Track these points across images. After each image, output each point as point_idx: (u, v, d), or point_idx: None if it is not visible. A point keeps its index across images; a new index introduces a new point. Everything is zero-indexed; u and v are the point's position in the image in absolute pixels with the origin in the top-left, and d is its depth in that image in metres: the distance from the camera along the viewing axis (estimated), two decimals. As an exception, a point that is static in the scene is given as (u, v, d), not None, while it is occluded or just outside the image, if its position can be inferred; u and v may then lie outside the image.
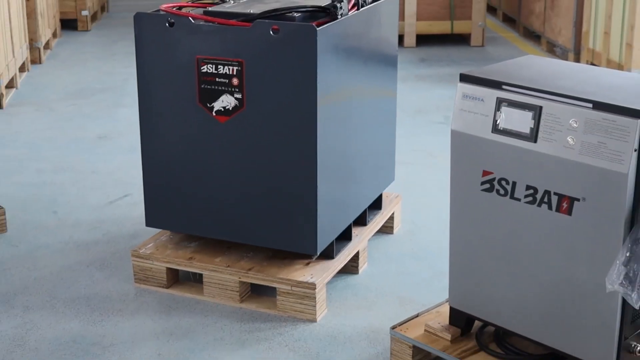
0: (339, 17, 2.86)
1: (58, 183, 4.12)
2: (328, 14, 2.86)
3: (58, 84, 5.90)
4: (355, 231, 3.21)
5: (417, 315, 2.66)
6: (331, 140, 2.88)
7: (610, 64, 5.64)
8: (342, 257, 3.04)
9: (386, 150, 3.43)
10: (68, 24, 7.69)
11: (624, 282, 2.10)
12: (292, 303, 2.87)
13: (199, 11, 2.96)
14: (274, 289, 2.93)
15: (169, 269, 3.05)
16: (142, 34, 2.89)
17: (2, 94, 5.26)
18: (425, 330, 2.58)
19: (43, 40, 6.47)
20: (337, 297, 3.03)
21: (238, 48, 2.78)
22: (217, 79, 2.82)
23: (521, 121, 2.27)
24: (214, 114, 2.86)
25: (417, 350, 2.58)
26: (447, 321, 2.59)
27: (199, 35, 2.81)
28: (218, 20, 2.80)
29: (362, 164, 3.19)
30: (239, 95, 2.81)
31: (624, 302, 2.18)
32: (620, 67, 5.52)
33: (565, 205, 2.21)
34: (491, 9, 8.36)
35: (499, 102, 2.31)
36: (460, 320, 2.55)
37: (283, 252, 3.01)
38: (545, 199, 2.25)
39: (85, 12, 7.61)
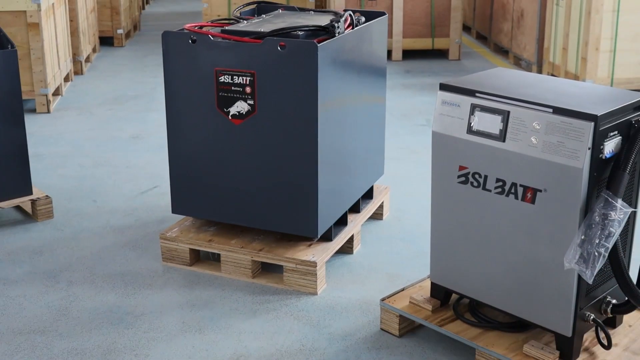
0: (337, 35, 2.86)
1: (97, 176, 4.11)
2: (327, 32, 2.86)
3: (97, 91, 5.89)
4: (350, 217, 3.20)
5: (403, 289, 2.66)
6: (330, 139, 2.87)
7: (567, 75, 5.62)
8: (339, 240, 3.04)
9: (376, 148, 3.43)
10: (106, 41, 7.68)
11: (579, 261, 2.09)
12: (297, 279, 2.87)
13: (217, 30, 2.95)
14: (281, 266, 2.93)
15: (191, 250, 3.04)
16: (168, 49, 2.88)
17: (49, 100, 5.25)
18: (409, 302, 2.57)
19: (84, 55, 6.45)
20: (334, 273, 3.03)
21: (250, 61, 2.77)
22: (232, 88, 2.82)
23: (492, 123, 2.26)
24: (230, 117, 2.85)
25: (403, 319, 2.57)
26: (428, 294, 2.58)
27: (217, 50, 2.80)
28: (233, 37, 2.79)
29: (356, 159, 3.18)
30: (251, 102, 2.81)
31: (580, 278, 2.18)
32: (576, 77, 5.50)
33: (529, 195, 2.21)
34: (466, 28, 8.33)
35: (473, 107, 2.31)
36: (439, 293, 2.54)
37: (289, 235, 3.01)
38: (513, 190, 2.25)
39: (120, 31, 7.59)
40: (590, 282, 2.10)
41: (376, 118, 3.37)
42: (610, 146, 2.12)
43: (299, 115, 2.75)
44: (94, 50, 7.11)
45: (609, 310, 2.28)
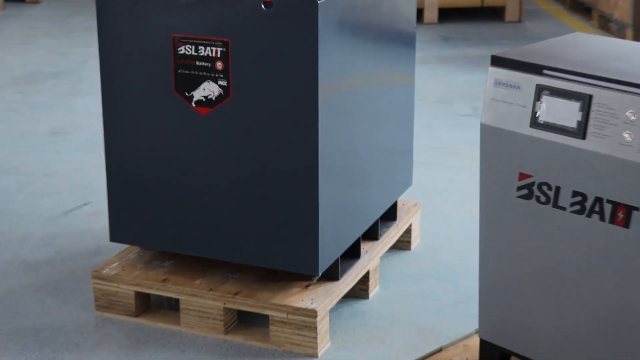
0: (345, -14, 2.87)
1: (1, 188, 4.12)
2: (332, -18, 2.86)
3: (1, 66, 5.90)
4: (365, 247, 3.21)
5: (440, 350, 2.66)
6: (336, 136, 2.88)
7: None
8: (349, 278, 3.04)
9: (402, 148, 3.44)
10: (14, -5, 7.71)
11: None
12: (288, 334, 2.88)
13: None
14: (266, 317, 2.93)
15: (138, 294, 3.05)
16: (105, 6, 2.89)
17: None
18: (450, 367, 2.58)
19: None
20: (343, 327, 3.03)
21: (223, 25, 2.78)
22: (197, 63, 2.83)
23: (567, 113, 2.28)
24: (193, 104, 2.87)
25: (440, 392, 2.58)
26: (476, 357, 2.58)
27: (175, 9, 2.81)
28: (198, -10, 2.81)
29: (373, 165, 3.19)
30: (223, 83, 2.82)
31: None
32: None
33: (621, 215, 2.21)
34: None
35: (540, 90, 2.32)
36: (493, 355, 2.55)
37: (277, 272, 3.01)
38: (597, 208, 2.25)
39: (34, -20, 7.60)
40: None
41: (401, 106, 3.39)
42: None
43: (291, 102, 2.77)
44: (-3, 8, 7.12)
45: None
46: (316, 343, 2.86)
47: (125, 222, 3.04)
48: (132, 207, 3.02)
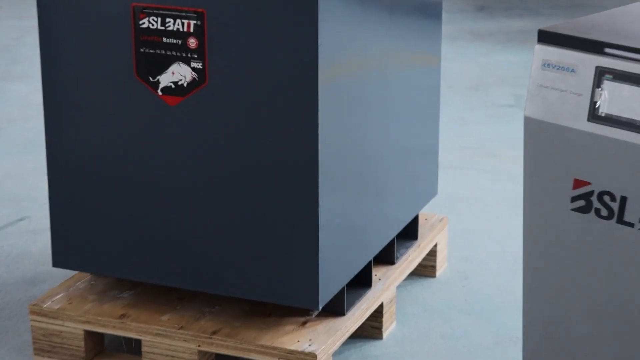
0: (353, -58, 2.89)
1: None
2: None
3: None
4: (378, 273, 3.22)
5: (473, 404, 2.66)
6: (341, 134, 2.89)
7: None
8: (358, 313, 3.05)
9: (425, 148, 3.45)
10: None
11: None
12: (280, 385, 2.89)
13: None
14: (252, 363, 2.95)
15: (88, 333, 3.04)
16: (47, -32, 2.91)
17: None
18: None
19: None
20: (349, 375, 3.04)
21: (196, -9, 2.80)
22: (164, 40, 2.84)
23: (635, 103, 2.28)
24: (159, 92, 2.87)
25: None
26: (520, 413, 2.59)
27: (135, -30, 2.84)
28: (165, -53, 2.82)
29: (389, 170, 3.20)
30: (198, 65, 2.83)
31: None
32: None
33: (703, 233, 2.22)
34: None
35: (601, 74, 2.32)
36: (540, 412, 2.55)
37: (266, 306, 3.02)
38: (673, 224, 2.26)
39: None
40: None
41: (424, 95, 3.40)
42: None
43: (284, 90, 2.77)
44: None
45: None
46: (316, 396, 2.87)
47: (72, 242, 3.04)
48: (81, 223, 3.02)
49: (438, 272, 3.56)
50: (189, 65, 2.83)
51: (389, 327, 3.24)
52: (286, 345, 2.86)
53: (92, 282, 3.17)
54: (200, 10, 2.79)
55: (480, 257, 3.66)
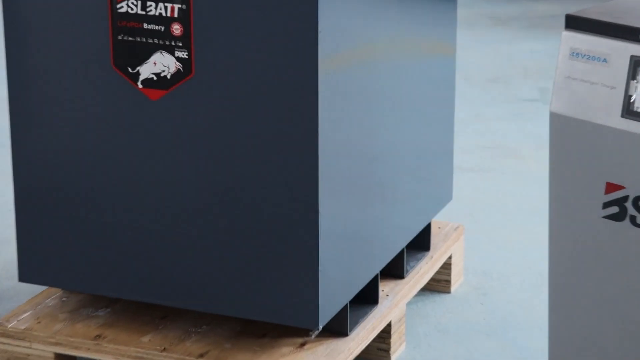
0: None
1: None
2: None
3: None
4: (386, 288, 3.22)
5: None
6: (343, 132, 2.88)
7: None
8: (363, 333, 3.04)
9: (438, 148, 3.45)
10: None
11: None
12: (276, 415, 2.88)
13: None
14: (244, 390, 2.93)
15: (59, 357, 3.04)
16: (14, -54, 2.90)
17: None
18: None
19: None
20: (353, 404, 3.03)
21: (181, -29, 2.79)
22: (145, 26, 2.83)
23: (675, 98, 2.27)
24: (139, 85, 2.86)
25: None
26: None
27: (112, -52, 2.82)
28: None
29: (397, 173, 3.20)
30: (183, 54, 2.82)
31: None
32: None
33: None
34: None
35: (636, 64, 2.31)
36: None
37: (260, 325, 3.02)
38: None
39: None
40: None
41: (438, 88, 3.40)
42: None
43: (279, 82, 2.77)
44: None
45: None
46: None
47: (41, 254, 3.04)
48: (51, 232, 3.02)
49: (453, 288, 3.56)
50: (172, 54, 2.83)
51: (398, 349, 3.24)
52: (282, 370, 2.86)
53: (64, 299, 3.17)
54: (184, -8, 2.79)
55: (501, 271, 3.66)
